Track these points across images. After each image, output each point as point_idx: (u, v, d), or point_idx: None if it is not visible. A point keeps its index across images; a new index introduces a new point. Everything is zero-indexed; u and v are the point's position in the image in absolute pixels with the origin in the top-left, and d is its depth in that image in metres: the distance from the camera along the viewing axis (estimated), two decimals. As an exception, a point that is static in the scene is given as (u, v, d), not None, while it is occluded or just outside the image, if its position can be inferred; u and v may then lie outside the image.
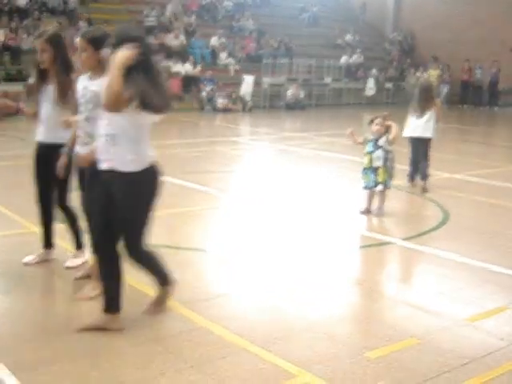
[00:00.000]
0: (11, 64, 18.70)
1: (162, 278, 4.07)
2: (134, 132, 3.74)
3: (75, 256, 5.03)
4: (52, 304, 4.44)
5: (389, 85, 24.77)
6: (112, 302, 3.86)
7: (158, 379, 3.29)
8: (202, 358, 3.54)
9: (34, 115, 4.84)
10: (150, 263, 4.05)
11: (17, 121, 5.61)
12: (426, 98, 8.43)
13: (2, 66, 17.75)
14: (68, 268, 4.92)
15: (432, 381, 3.36)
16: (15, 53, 18.94)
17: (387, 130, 7.00)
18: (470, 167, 10.32)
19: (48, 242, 5.08)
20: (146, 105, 3.58)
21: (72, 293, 4.45)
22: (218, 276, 5.02)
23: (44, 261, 5.04)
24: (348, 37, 26.73)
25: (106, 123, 3.71)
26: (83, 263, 4.92)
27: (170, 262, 5.20)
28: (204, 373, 3.37)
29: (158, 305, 4.07)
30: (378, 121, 7.01)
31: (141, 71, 3.58)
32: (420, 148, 8.43)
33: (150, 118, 3.79)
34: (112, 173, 3.72)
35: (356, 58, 25.32)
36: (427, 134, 8.37)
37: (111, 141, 3.69)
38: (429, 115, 8.36)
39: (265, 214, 7.00)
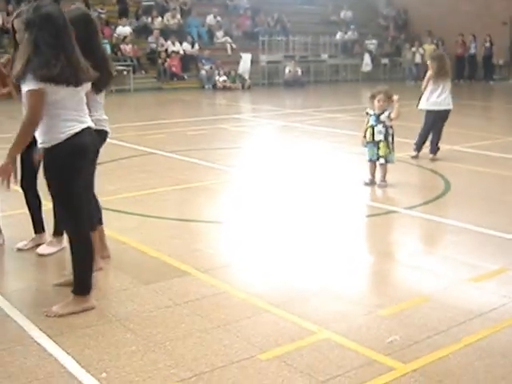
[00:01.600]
0: (10, 47, 18.74)
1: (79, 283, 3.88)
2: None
3: (51, 243, 4.92)
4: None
5: (385, 60, 24.87)
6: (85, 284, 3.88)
7: (186, 338, 3.53)
8: (227, 318, 3.78)
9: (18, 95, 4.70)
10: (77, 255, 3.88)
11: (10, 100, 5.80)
12: (443, 68, 8.64)
13: (2, 50, 17.80)
14: (40, 255, 4.82)
15: (442, 334, 3.60)
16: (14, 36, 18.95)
17: (388, 104, 7.18)
18: (469, 139, 10.53)
19: (39, 227, 5.04)
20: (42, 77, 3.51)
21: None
22: (232, 245, 5.26)
23: (38, 245, 4.95)
24: (342, 13, 26.77)
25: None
26: (58, 251, 4.86)
27: (186, 233, 5.50)
28: (230, 331, 3.61)
29: (61, 308, 3.82)
30: (380, 97, 7.17)
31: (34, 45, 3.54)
32: (439, 121, 8.66)
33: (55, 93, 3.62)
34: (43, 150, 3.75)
35: (351, 35, 25.39)
36: (450, 107, 8.65)
37: None
38: (447, 86, 8.58)
39: (273, 187, 7.22)
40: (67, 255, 4.67)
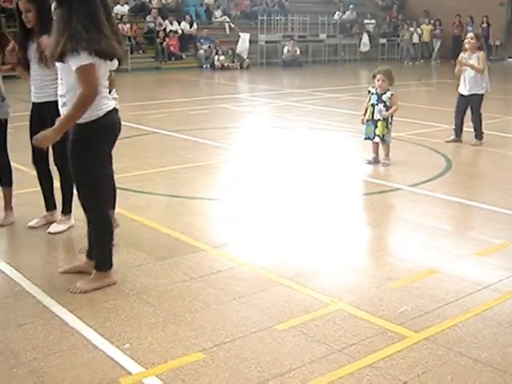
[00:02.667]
0: (7, 27, 18.63)
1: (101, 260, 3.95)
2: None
3: (61, 221, 4.98)
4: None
5: (383, 41, 24.84)
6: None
7: (204, 310, 3.63)
8: (242, 291, 3.88)
9: (27, 76, 4.82)
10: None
11: (16, 82, 5.81)
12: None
13: None
14: (50, 234, 4.87)
15: (451, 304, 3.71)
16: (10, 15, 18.87)
17: (390, 84, 7.24)
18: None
19: (51, 204, 5.10)
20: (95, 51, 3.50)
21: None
22: (241, 222, 5.33)
23: (49, 223, 5.00)
24: (341, -8, 26.69)
25: (60, 82, 3.72)
26: (68, 229, 4.92)
27: (196, 211, 5.58)
28: (246, 304, 3.71)
29: (85, 284, 3.88)
30: (379, 76, 7.23)
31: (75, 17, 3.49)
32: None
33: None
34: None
35: (349, 14, 25.32)
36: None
37: (63, 103, 3.70)
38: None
39: (277, 165, 7.30)
40: (78, 232, 4.79)
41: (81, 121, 3.64)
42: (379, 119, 7.16)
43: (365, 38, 24.19)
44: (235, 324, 3.46)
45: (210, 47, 20.22)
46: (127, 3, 20.76)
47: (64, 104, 3.69)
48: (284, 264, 4.34)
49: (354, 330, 3.41)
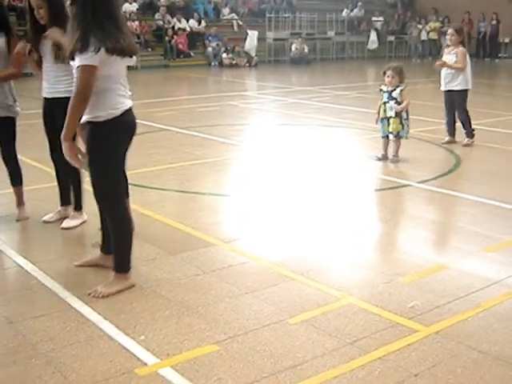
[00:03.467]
0: (18, 25, 18.77)
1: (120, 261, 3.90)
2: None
3: (74, 217, 5.05)
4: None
5: (391, 38, 24.82)
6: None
7: (217, 303, 3.69)
8: (254, 285, 3.94)
9: (39, 71, 4.86)
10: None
11: (28, 80, 5.88)
12: None
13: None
14: (64, 229, 4.95)
15: (460, 299, 3.76)
16: (21, 13, 19.00)
17: (401, 80, 7.27)
18: (477, 116, 10.55)
19: (66, 199, 5.16)
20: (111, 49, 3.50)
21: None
22: (251, 217, 5.39)
23: (63, 218, 5.07)
24: (349, -10, 26.68)
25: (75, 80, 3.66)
26: (80, 224, 4.98)
27: (206, 206, 5.64)
28: (258, 298, 3.77)
29: (106, 288, 3.82)
30: (389, 72, 7.27)
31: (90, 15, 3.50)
32: None
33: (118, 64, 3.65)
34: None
35: (357, 12, 25.32)
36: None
37: None
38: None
39: (286, 162, 7.35)
40: (90, 227, 4.87)
41: (98, 119, 3.63)
42: (391, 116, 7.20)
43: (373, 35, 24.18)
44: (248, 317, 3.52)
45: (218, 45, 20.28)
46: (135, 1, 20.84)
47: None
48: (295, 259, 4.40)
49: (365, 323, 3.47)
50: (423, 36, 24.37)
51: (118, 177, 3.82)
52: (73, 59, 3.57)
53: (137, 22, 19.83)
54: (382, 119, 7.29)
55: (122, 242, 3.87)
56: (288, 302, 3.71)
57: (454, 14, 24.66)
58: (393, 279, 4.06)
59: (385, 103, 7.24)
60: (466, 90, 8.27)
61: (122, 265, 3.89)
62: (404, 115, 7.23)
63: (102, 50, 3.48)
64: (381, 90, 7.33)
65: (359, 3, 25.56)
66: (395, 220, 5.44)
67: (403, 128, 7.24)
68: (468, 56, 8.25)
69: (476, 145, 8.33)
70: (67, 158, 3.70)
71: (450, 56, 8.19)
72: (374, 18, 25.17)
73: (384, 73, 7.32)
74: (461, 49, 8.12)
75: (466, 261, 4.40)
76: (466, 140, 8.26)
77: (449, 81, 8.20)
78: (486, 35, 24.53)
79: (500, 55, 24.54)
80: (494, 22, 24.13)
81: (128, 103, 3.77)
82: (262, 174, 6.90)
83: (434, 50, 24.96)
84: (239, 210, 5.64)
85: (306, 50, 21.42)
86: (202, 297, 3.77)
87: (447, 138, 8.36)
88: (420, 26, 24.56)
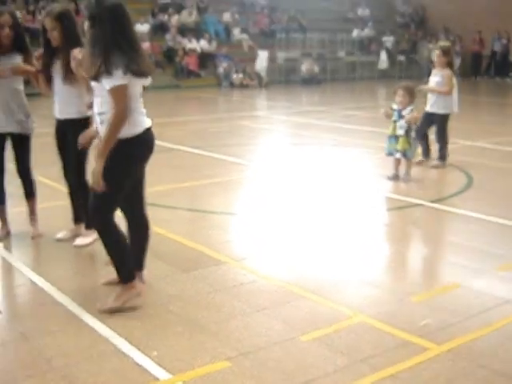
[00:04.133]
0: (31, 45, 19.07)
1: (119, 272, 3.97)
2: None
3: (86, 234, 5.10)
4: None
5: (401, 58, 24.96)
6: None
7: (229, 321, 3.74)
8: (265, 303, 3.99)
9: (48, 91, 4.98)
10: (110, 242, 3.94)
11: (40, 100, 6.02)
12: None
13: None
14: (77, 247, 5.03)
15: (472, 318, 3.79)
16: (33, 34, 19.31)
17: (411, 100, 7.35)
18: (489, 135, 10.68)
19: (78, 217, 5.22)
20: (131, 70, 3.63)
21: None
22: (261, 236, 5.44)
23: (76, 236, 5.16)
24: (359, 10, 26.89)
25: (98, 101, 3.79)
26: (93, 242, 5.00)
27: (217, 225, 5.72)
28: (269, 315, 3.82)
29: (115, 301, 3.90)
30: (399, 92, 7.36)
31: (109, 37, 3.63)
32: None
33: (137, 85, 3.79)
34: None
35: (368, 32, 25.51)
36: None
37: (102, 120, 3.79)
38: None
39: (296, 181, 7.42)
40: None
41: (121, 137, 3.72)
42: (400, 135, 7.27)
43: (383, 55, 24.33)
44: (259, 334, 3.58)
45: (228, 65, 20.47)
46: (147, 22, 21.13)
47: (102, 121, 3.78)
48: (306, 277, 4.45)
49: (377, 341, 3.51)
50: (434, 56, 24.47)
51: (122, 195, 3.90)
52: (95, 81, 3.69)
53: (148, 43, 20.08)
54: (391, 137, 7.37)
55: (114, 254, 3.92)
56: (299, 320, 3.76)
57: (465, 33, 24.81)
58: (404, 298, 4.10)
59: (395, 122, 7.32)
60: (448, 114, 8.20)
61: (124, 275, 3.95)
62: (412, 134, 7.29)
63: (126, 71, 3.62)
64: (391, 108, 7.40)
65: (369, 23, 25.76)
66: (407, 239, 5.49)
67: (410, 147, 7.29)
68: (454, 79, 8.18)
69: (487, 164, 8.37)
70: (95, 186, 3.76)
71: (435, 78, 8.12)
72: (384, 38, 25.33)
73: (395, 92, 7.42)
74: (447, 72, 8.02)
75: (477, 280, 4.44)
76: (436, 162, 8.06)
77: (433, 103, 8.09)
78: (496, 54, 24.63)
79: (511, 74, 24.60)
80: (505, 41, 24.24)
81: (148, 122, 3.90)
82: (271, 193, 6.97)
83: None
84: (249, 228, 5.71)
85: (317, 70, 21.56)
86: (214, 314, 3.83)
87: (420, 158, 8.15)
88: (431, 46, 24.67)
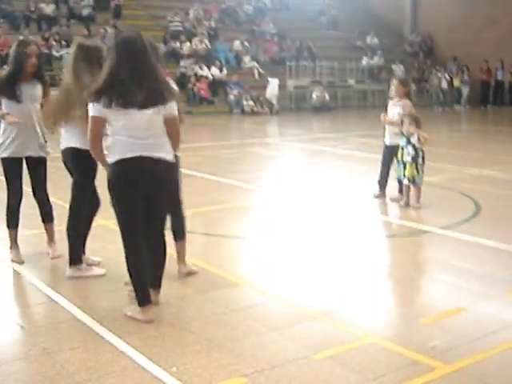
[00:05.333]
0: (44, 70, 19.47)
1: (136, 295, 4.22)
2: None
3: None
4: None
5: (412, 86, 25.21)
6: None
7: (244, 340, 3.90)
8: (279, 323, 4.15)
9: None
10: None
11: None
12: None
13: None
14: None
15: (480, 340, 3.93)
16: (47, 59, 19.77)
17: (418, 127, 7.52)
18: (497, 164, 10.83)
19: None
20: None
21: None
22: (271, 259, 5.62)
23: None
24: (368, 39, 27.28)
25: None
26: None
27: (230, 248, 5.90)
28: (283, 335, 3.97)
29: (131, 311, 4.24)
30: (405, 120, 7.54)
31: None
32: None
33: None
34: None
35: (377, 60, 25.86)
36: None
37: None
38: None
39: (307, 207, 7.60)
40: (120, 265, 5.13)
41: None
42: (407, 161, 7.43)
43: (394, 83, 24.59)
44: (274, 353, 3.73)
45: (239, 92, 20.80)
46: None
47: None
48: (318, 300, 4.61)
49: (387, 361, 3.65)
50: (444, 84, 24.77)
51: (126, 221, 4.16)
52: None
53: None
54: (398, 162, 7.54)
55: (131, 276, 4.18)
56: (312, 340, 3.91)
57: (472, 62, 25.10)
58: (414, 320, 4.25)
59: (402, 148, 7.50)
60: None
61: (137, 297, 4.16)
62: (420, 161, 7.45)
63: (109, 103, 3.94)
64: (401, 132, 7.55)
65: (378, 52, 26.11)
66: (416, 264, 5.64)
67: (418, 174, 7.45)
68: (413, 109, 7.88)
69: (495, 191, 8.53)
70: None
71: (395, 108, 7.85)
72: (393, 66, 25.65)
73: (402, 120, 7.60)
74: (407, 102, 7.81)
75: (484, 304, 4.58)
76: (397, 194, 7.79)
77: (393, 135, 7.77)
78: (503, 83, 24.90)
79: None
80: (512, 70, 24.57)
81: (131, 153, 4.05)
82: (283, 218, 7.15)
83: (455, 98, 25.32)
84: (261, 252, 5.88)
85: (327, 98, 21.87)
86: (230, 333, 3.99)
87: (378, 192, 7.97)
88: (440, 75, 25.00)
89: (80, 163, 4.96)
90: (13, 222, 5.42)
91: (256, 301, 4.56)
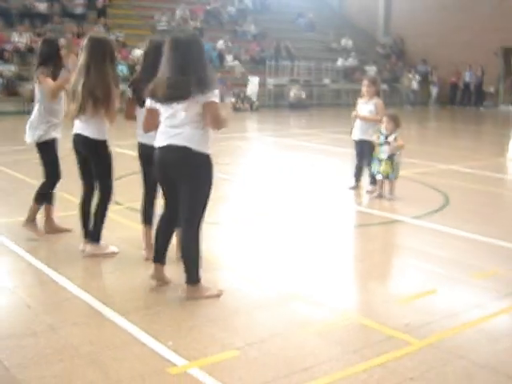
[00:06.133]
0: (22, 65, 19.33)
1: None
2: None
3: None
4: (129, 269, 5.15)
5: (384, 86, 25.46)
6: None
7: (235, 317, 4.04)
8: (266, 302, 4.28)
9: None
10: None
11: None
12: None
13: (28, 67, 18.26)
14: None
15: (450, 318, 4.10)
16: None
17: (397, 126, 7.69)
18: (463, 160, 11.09)
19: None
20: None
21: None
22: (245, 246, 5.75)
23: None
24: (343, 41, 27.49)
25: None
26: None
27: (211, 237, 5.96)
28: (270, 312, 4.11)
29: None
30: (385, 118, 7.71)
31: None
32: None
33: None
34: None
35: (351, 61, 26.08)
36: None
37: None
38: None
39: (286, 198, 7.74)
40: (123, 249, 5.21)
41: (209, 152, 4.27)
42: (383, 159, 7.59)
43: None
44: (262, 329, 3.87)
45: (222, 88, 20.85)
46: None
47: None
48: (302, 283, 4.75)
49: (366, 336, 3.81)
50: (414, 85, 25.08)
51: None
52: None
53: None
54: (374, 158, 7.70)
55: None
56: (297, 317, 4.05)
57: (442, 65, 25.45)
58: (389, 300, 4.41)
59: (380, 145, 7.65)
60: None
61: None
62: (395, 158, 7.61)
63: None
64: (380, 131, 7.70)
65: (352, 53, 26.33)
66: (389, 250, 5.81)
67: (393, 171, 7.61)
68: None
69: (462, 185, 8.75)
70: None
71: (366, 106, 8.01)
72: (367, 67, 25.88)
73: (380, 120, 7.75)
74: (379, 101, 7.99)
75: (453, 286, 4.76)
76: (369, 187, 7.98)
77: (364, 131, 7.97)
78: (470, 85, 25.29)
79: (485, 104, 25.28)
80: (480, 73, 24.93)
81: (159, 142, 4.31)
82: (260, 207, 7.27)
83: (425, 98, 25.66)
84: (240, 239, 6.00)
85: (304, 96, 22.03)
86: (220, 312, 4.11)
87: (353, 184, 8.19)
88: (410, 76, 25.29)
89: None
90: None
91: (240, 283, 4.67)
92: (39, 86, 5.42)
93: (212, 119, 4.11)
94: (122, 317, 3.95)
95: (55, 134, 5.52)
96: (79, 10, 22.01)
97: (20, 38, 19.08)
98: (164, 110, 4.18)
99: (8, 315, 4.06)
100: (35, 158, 5.71)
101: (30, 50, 19.03)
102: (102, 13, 22.26)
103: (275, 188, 8.25)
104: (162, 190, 4.40)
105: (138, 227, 5.43)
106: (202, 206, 4.23)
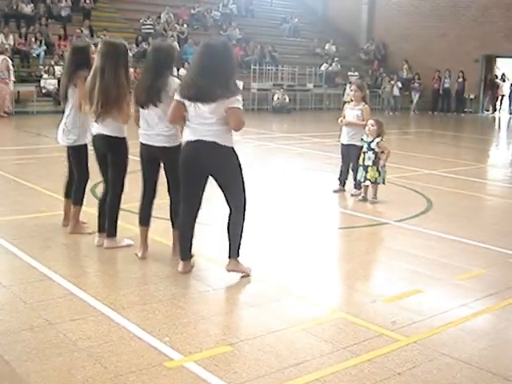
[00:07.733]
0: (22, 67, 19.31)
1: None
2: None
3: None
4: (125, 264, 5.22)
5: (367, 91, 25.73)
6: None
7: (228, 314, 4.15)
8: (258, 300, 4.39)
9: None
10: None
11: (27, 118, 6.40)
12: None
13: (14, 68, 18.20)
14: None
15: (435, 317, 4.24)
16: (25, 57, 19.56)
17: (380, 132, 7.83)
18: (445, 165, 11.31)
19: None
20: None
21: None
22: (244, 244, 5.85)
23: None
24: (327, 46, 27.74)
25: None
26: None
27: (204, 234, 6.08)
28: (262, 310, 4.21)
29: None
30: (370, 122, 7.84)
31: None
32: None
33: None
34: None
35: (334, 67, 26.33)
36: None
37: None
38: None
39: (271, 202, 7.86)
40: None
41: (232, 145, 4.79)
42: (369, 165, 7.72)
43: (348, 88, 25.06)
44: (255, 325, 3.97)
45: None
46: (131, 49, 21.52)
47: None
48: (292, 281, 4.86)
49: (355, 333, 3.93)
50: (395, 91, 25.38)
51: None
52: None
53: (132, 69, 20.42)
54: (360, 165, 7.83)
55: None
56: (288, 315, 4.16)
57: (424, 71, 25.77)
58: (376, 299, 4.54)
59: (364, 153, 7.79)
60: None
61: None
62: (381, 163, 7.75)
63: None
64: (362, 139, 7.86)
65: (336, 59, 26.59)
66: (376, 252, 5.96)
67: (380, 175, 7.76)
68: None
69: (445, 190, 8.94)
70: None
71: (353, 111, 8.17)
72: (349, 73, 26.13)
73: (365, 125, 7.88)
74: (366, 106, 8.13)
75: (438, 287, 4.91)
76: (354, 191, 8.12)
77: (352, 136, 8.10)
78: (450, 91, 25.66)
79: (465, 110, 25.68)
80: (461, 80, 25.31)
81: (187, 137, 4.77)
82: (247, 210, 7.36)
83: (406, 104, 25.96)
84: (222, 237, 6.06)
85: (287, 100, 22.20)
86: (214, 309, 4.22)
87: (337, 187, 8.33)
88: (392, 82, 25.58)
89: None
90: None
91: (234, 281, 4.77)
92: (74, 89, 5.54)
93: (235, 123, 4.58)
94: (116, 312, 4.03)
95: (87, 139, 5.69)
96: (64, 12, 21.96)
97: (6, 40, 19.02)
98: (192, 109, 4.56)
99: (4, 311, 4.10)
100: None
101: (16, 52, 19.01)
102: (86, 15, 22.24)
103: (259, 191, 8.34)
104: (185, 185, 4.73)
105: (132, 227, 5.50)
106: (243, 192, 4.78)
